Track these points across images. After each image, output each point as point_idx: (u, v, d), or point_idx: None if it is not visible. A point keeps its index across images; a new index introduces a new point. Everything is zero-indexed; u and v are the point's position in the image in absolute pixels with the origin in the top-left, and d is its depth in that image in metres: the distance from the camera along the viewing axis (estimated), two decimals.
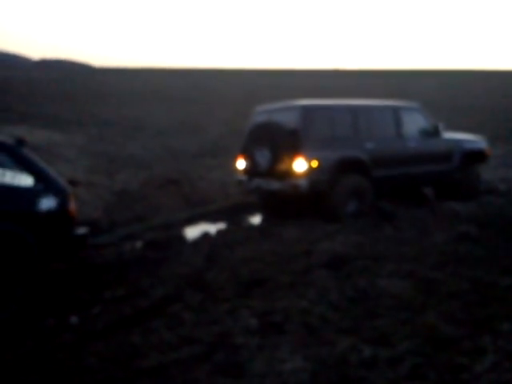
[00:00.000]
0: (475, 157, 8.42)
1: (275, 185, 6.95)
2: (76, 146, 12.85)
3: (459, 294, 3.66)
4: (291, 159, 6.66)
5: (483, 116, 20.72)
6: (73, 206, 4.72)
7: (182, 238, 6.67)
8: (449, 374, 2.61)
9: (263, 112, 7.58)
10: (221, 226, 7.64)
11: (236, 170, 7.85)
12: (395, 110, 7.72)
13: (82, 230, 4.88)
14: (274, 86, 32.57)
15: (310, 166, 6.61)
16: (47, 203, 4.47)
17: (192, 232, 7.31)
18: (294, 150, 6.64)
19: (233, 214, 8.41)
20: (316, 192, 6.77)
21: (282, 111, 7.27)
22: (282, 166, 6.79)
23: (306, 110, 6.92)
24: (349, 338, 3.08)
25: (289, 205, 7.52)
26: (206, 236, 6.48)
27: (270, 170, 6.96)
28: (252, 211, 8.52)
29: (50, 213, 4.48)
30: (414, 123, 7.86)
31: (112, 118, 18.93)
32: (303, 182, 6.61)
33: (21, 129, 12.81)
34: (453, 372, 2.62)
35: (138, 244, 6.54)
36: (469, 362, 2.68)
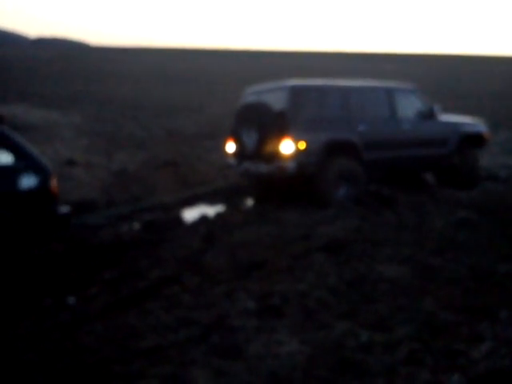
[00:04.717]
0: (473, 141, 8.14)
1: (263, 168, 6.75)
2: (74, 125, 12.74)
3: (458, 280, 3.66)
4: (278, 141, 6.46)
5: (485, 101, 20.58)
6: (55, 184, 4.61)
7: (179, 220, 6.64)
8: (445, 359, 2.62)
9: (253, 93, 7.38)
10: (219, 208, 7.61)
11: (226, 153, 7.67)
12: (389, 92, 7.47)
13: (64, 209, 4.79)
14: (277, 68, 32.24)
15: (298, 148, 6.40)
16: (28, 181, 4.37)
17: (190, 214, 7.28)
18: (282, 132, 6.43)
19: (231, 195, 8.38)
20: (304, 175, 6.59)
21: (271, 92, 7.06)
22: (270, 148, 6.58)
23: (295, 90, 6.73)
24: (346, 322, 3.08)
25: (277, 188, 7.35)
26: (204, 218, 6.45)
27: (257, 152, 6.75)
28: (250, 193, 8.48)
29: (30, 191, 4.38)
30: (409, 105, 7.59)
31: (110, 97, 18.74)
32: (290, 165, 6.41)
33: (18, 108, 12.68)
34: (449, 357, 2.63)
35: (136, 225, 6.52)
36: (466, 348, 2.68)
